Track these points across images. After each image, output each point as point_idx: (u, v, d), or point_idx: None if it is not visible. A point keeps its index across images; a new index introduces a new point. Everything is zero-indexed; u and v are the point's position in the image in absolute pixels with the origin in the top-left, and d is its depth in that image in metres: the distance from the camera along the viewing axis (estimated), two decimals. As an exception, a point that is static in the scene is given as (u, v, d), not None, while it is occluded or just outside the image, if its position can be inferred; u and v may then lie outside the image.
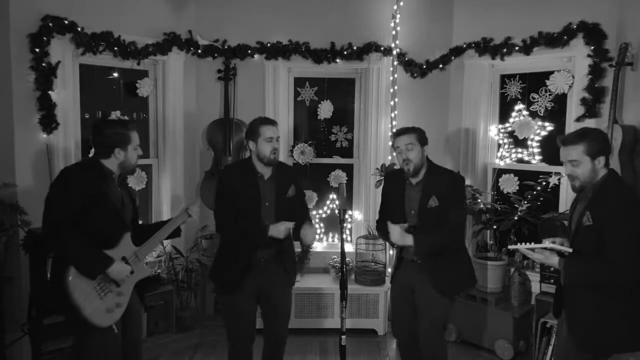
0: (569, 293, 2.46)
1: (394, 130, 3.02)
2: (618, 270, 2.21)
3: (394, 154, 3.11)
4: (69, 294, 2.37)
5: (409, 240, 2.83)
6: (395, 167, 3.10)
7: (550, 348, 3.55)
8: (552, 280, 3.68)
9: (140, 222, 2.94)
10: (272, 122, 2.92)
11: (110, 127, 2.60)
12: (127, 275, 2.54)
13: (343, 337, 2.44)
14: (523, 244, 2.46)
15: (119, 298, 2.54)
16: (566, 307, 2.47)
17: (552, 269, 3.19)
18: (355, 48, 4.47)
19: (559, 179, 3.95)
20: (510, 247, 2.54)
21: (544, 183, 3.90)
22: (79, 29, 3.73)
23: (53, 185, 2.51)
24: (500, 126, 4.39)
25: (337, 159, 4.84)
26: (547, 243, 2.41)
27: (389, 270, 4.34)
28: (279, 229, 2.80)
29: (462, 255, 3.05)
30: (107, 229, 2.52)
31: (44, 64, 3.56)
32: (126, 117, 4.23)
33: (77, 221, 2.41)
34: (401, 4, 4.35)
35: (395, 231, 2.84)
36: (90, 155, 2.68)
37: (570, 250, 2.35)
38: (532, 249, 2.41)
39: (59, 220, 2.40)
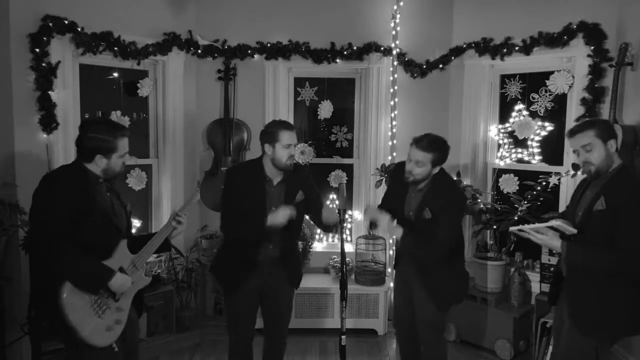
0: (571, 279, 2.45)
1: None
2: (628, 259, 2.21)
3: (394, 154, 3.08)
4: (64, 314, 2.17)
5: (398, 232, 2.81)
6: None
7: (550, 348, 3.55)
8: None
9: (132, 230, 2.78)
10: (292, 128, 2.81)
11: (95, 131, 2.33)
12: (129, 287, 2.37)
13: (343, 337, 2.44)
14: (527, 225, 2.42)
15: (119, 314, 2.36)
16: (569, 294, 2.46)
17: (552, 268, 3.18)
18: (355, 48, 4.46)
19: (559, 179, 3.94)
20: (513, 228, 2.47)
21: (544, 183, 3.90)
22: (79, 29, 3.73)
23: (37, 195, 2.27)
24: (500, 126, 4.39)
25: (337, 159, 4.84)
26: (552, 222, 2.36)
27: (389, 270, 4.35)
28: (277, 216, 2.72)
29: (458, 267, 3.02)
30: (100, 238, 2.32)
31: (44, 64, 3.56)
32: (127, 118, 4.19)
33: (68, 232, 2.21)
34: (401, 4, 4.35)
35: (383, 221, 2.83)
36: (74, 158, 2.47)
37: (575, 231, 2.32)
38: (537, 230, 2.36)
39: (50, 233, 2.19)
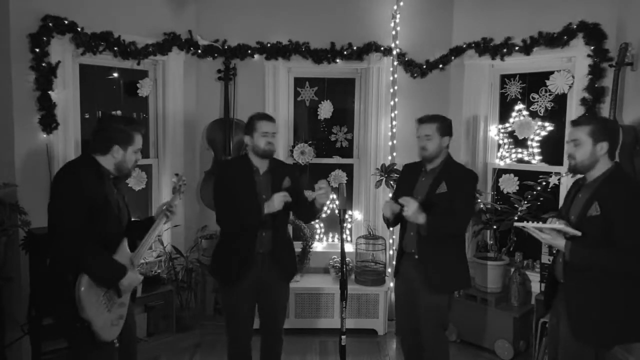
0: (569, 284, 2.46)
1: (416, 118, 3.07)
2: (627, 259, 2.26)
3: (394, 154, 3.08)
4: (82, 307, 2.20)
5: (421, 218, 2.76)
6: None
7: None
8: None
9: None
10: (269, 118, 2.97)
11: (115, 122, 2.46)
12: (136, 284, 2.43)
13: (343, 337, 2.44)
14: (531, 222, 2.46)
15: (121, 309, 2.41)
16: (567, 299, 2.47)
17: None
18: (355, 48, 4.47)
19: (559, 179, 3.95)
20: (517, 224, 2.51)
21: (544, 183, 3.90)
22: (79, 29, 3.73)
23: (57, 187, 2.30)
24: (500, 126, 4.39)
25: (337, 159, 4.84)
26: (556, 224, 2.39)
27: (389, 270, 4.35)
28: (274, 203, 2.78)
29: (458, 255, 3.03)
30: (109, 234, 2.37)
31: (44, 64, 3.56)
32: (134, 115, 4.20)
33: (86, 225, 2.24)
34: (401, 4, 4.35)
35: (412, 206, 2.74)
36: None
37: (579, 233, 2.34)
38: (540, 229, 2.40)
39: (73, 226, 2.21)
